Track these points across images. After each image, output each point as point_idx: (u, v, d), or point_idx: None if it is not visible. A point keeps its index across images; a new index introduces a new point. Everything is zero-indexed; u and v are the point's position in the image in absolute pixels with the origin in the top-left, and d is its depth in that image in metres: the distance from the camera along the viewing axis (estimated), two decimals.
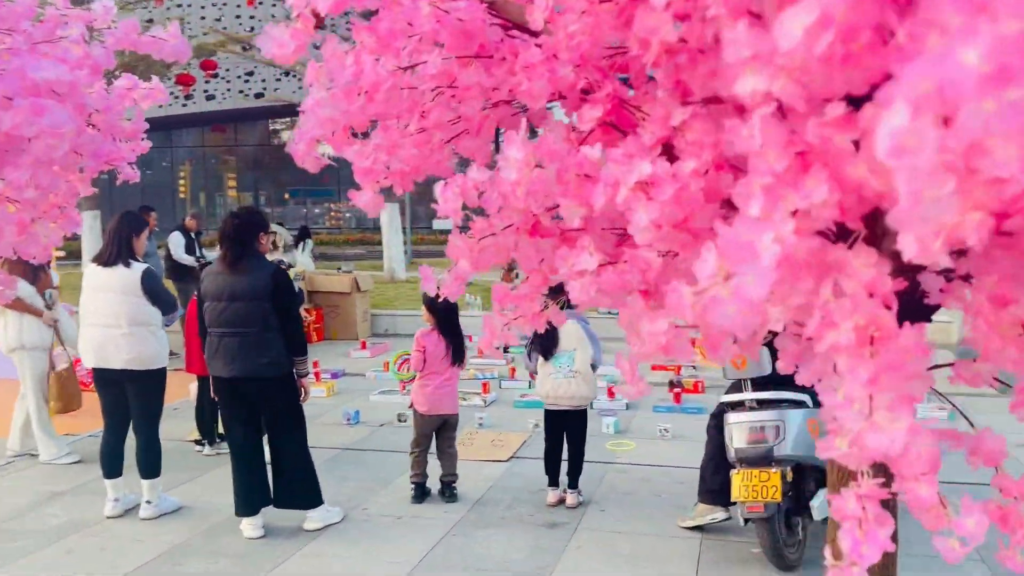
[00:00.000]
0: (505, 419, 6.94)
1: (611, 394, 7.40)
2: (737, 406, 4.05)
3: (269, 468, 4.63)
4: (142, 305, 4.68)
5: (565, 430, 4.97)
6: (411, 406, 5.07)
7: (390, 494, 5.20)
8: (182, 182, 32.09)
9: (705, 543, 4.33)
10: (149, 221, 7.32)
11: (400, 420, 6.84)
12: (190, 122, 29.98)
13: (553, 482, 4.96)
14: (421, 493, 5.02)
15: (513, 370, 8.42)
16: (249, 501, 4.50)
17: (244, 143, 31.26)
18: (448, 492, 5.01)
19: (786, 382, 4.03)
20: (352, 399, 7.73)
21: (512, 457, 5.90)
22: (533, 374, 5.04)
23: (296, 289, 10.09)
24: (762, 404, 3.95)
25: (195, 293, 6.13)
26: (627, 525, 4.59)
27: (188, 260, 10.28)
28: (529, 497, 5.07)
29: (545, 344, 4.76)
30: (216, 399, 4.61)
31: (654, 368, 8.70)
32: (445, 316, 4.97)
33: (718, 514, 4.39)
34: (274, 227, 13.08)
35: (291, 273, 11.24)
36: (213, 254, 10.63)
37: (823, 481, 3.95)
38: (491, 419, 6.81)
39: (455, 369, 5.00)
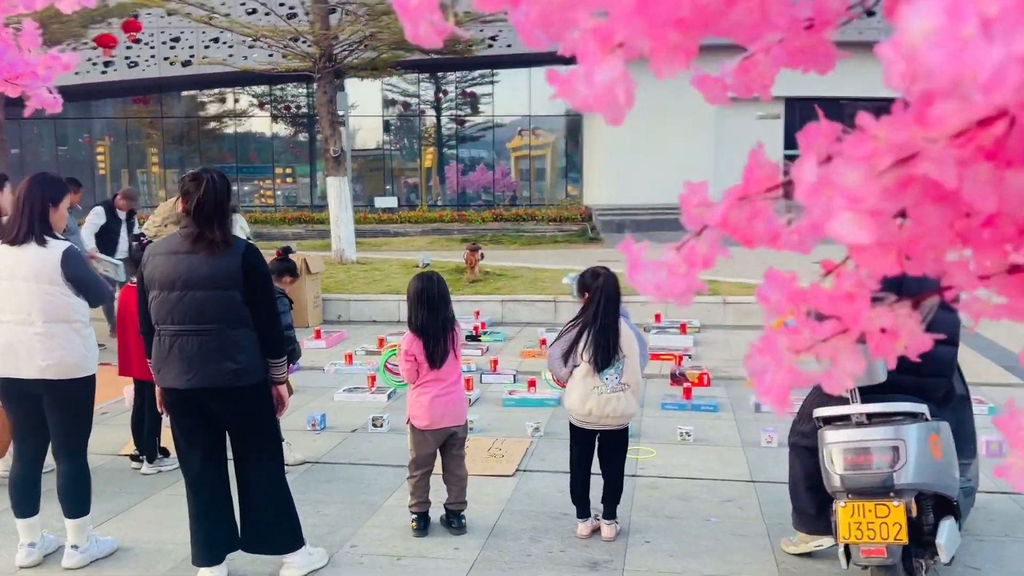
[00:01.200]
0: (496, 422, 6.05)
1: None
2: (835, 421, 3.25)
3: (236, 503, 3.64)
4: (62, 295, 3.62)
5: (600, 451, 4.09)
6: (408, 421, 4.12)
7: (382, 524, 4.25)
8: (101, 158, 29.97)
9: None
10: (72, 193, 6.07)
11: (376, 424, 5.88)
12: (110, 92, 27.90)
13: (583, 513, 4.08)
14: (424, 525, 4.09)
15: (495, 362, 7.51)
16: (211, 548, 3.51)
17: (169, 115, 29.30)
18: (456, 522, 4.10)
19: (896, 390, 3.27)
20: (314, 399, 6.72)
21: (518, 471, 5.02)
22: (561, 382, 4.12)
23: None
24: (872, 419, 3.15)
25: (129, 281, 5.07)
26: (684, 563, 3.76)
27: (87, 244, 8.66)
28: (553, 525, 4.20)
29: (604, 352, 3.85)
30: (166, 415, 3.58)
31: (652, 357, 7.92)
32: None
33: (824, 541, 3.62)
34: None
35: None
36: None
37: (944, 510, 3.19)
38: (480, 422, 5.91)
39: (456, 361, 4.08)
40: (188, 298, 3.33)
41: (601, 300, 3.84)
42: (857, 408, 3.16)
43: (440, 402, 3.98)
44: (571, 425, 4.09)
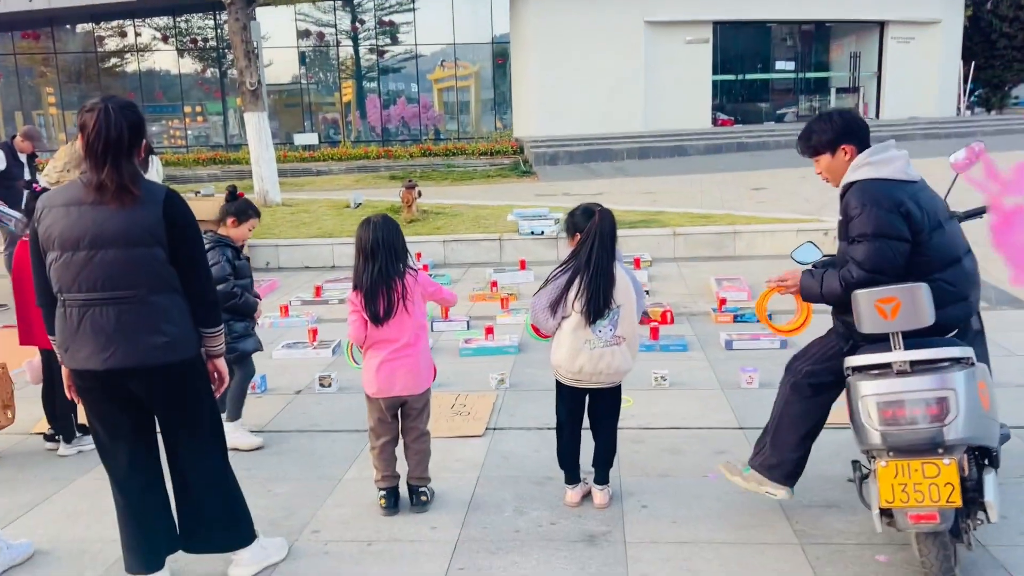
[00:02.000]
0: (456, 375, 5.56)
1: None
2: (869, 370, 2.87)
3: (172, 498, 3.08)
4: None
5: (591, 411, 3.66)
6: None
7: (345, 501, 3.76)
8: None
9: (813, 552, 3.19)
10: None
11: (323, 384, 5.33)
12: None
13: (573, 478, 3.66)
14: (394, 501, 3.61)
15: (446, 309, 6.99)
16: (148, 553, 2.96)
17: (64, 51, 27.06)
18: (415, 500, 3.62)
19: (937, 333, 2.90)
20: None
21: (488, 430, 4.57)
22: (546, 335, 3.64)
23: None
24: (915, 366, 2.78)
25: (24, 236, 4.32)
26: (691, 530, 3.39)
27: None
28: (537, 493, 3.77)
29: (597, 301, 3.37)
30: (79, 403, 2.96)
31: None
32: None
33: (778, 492, 3.30)
34: None
35: None
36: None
37: (986, 463, 2.88)
38: (438, 376, 5.41)
39: (418, 327, 3.55)
40: (99, 259, 2.70)
41: (595, 242, 3.36)
42: (900, 355, 2.78)
43: (389, 367, 3.47)
44: (558, 383, 3.64)
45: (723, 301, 6.84)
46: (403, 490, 3.67)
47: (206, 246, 4.07)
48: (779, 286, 3.35)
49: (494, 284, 7.84)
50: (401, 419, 3.61)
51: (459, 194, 15.55)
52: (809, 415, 3.30)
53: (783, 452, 3.32)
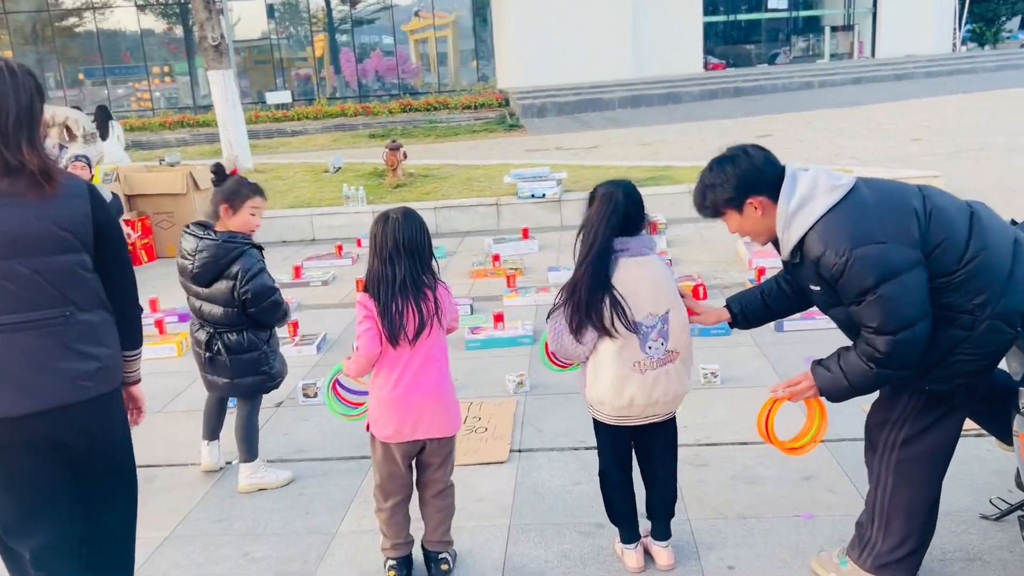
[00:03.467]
0: (463, 374, 4.72)
1: None
2: None
3: None
4: None
5: (641, 452, 2.83)
6: (367, 427, 2.74)
7: (342, 565, 2.93)
8: None
9: None
10: None
11: (308, 394, 4.48)
12: None
13: (630, 536, 2.82)
14: (407, 572, 2.78)
15: None
16: None
17: (15, 10, 25.46)
18: (434, 569, 2.79)
19: None
20: None
21: (512, 452, 3.74)
22: (561, 363, 2.83)
23: (109, 198, 7.21)
24: None
25: None
26: None
27: None
28: (587, 549, 2.96)
29: (621, 305, 2.53)
30: None
31: None
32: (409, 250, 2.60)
33: None
34: (64, 111, 9.75)
35: (100, 171, 8.20)
36: None
37: None
38: None
39: (439, 340, 2.69)
40: (12, 271, 1.88)
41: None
42: None
43: (413, 401, 2.61)
44: (596, 423, 2.79)
45: (762, 271, 6.01)
46: (416, 553, 2.85)
47: (228, 256, 3.22)
48: (790, 394, 2.51)
49: (496, 258, 6.96)
50: (418, 470, 2.76)
51: (445, 152, 14.56)
52: (927, 486, 2.46)
53: (903, 543, 2.48)
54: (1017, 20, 36.96)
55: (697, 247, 7.31)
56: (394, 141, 9.94)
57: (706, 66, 25.42)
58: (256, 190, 3.46)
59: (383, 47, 26.93)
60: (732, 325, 2.89)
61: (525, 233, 7.70)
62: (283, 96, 22.90)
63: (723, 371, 4.42)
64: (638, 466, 2.85)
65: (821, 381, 2.38)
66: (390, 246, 2.55)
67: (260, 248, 3.47)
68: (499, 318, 5.30)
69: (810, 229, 2.21)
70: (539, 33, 22.38)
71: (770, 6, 27.83)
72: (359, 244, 8.18)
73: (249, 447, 3.54)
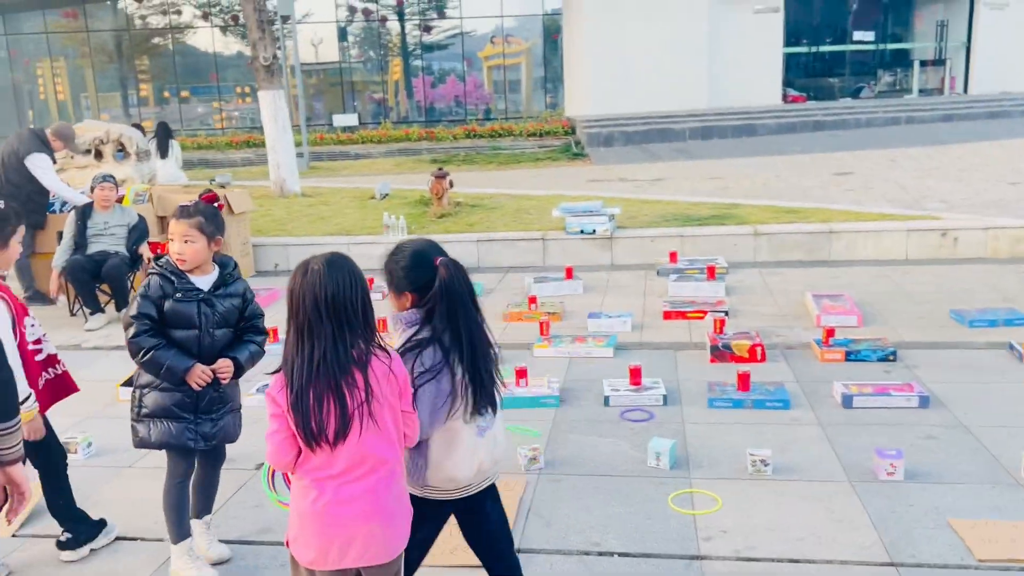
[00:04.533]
0: None
1: (637, 376, 4.62)
2: None
3: None
4: None
5: (478, 533, 2.45)
6: (287, 545, 2.14)
7: None
8: (41, 83, 26.97)
9: None
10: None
11: None
12: (28, 5, 24.90)
13: None
14: None
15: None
16: None
17: (99, 28, 26.22)
18: None
19: None
20: None
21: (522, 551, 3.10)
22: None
23: (135, 220, 6.88)
24: None
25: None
26: None
27: (76, 196, 7.16)
28: None
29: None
30: None
31: (667, 316, 6.01)
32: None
33: None
34: (119, 128, 9.61)
35: (132, 191, 7.93)
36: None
37: None
38: None
39: (391, 447, 2.08)
40: None
41: (457, 302, 2.22)
42: None
43: (339, 519, 2.00)
44: (424, 502, 2.27)
45: (831, 332, 5.23)
46: None
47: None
48: None
49: (532, 300, 6.35)
50: None
51: (504, 180, 14.05)
52: None
53: None
54: None
55: (760, 296, 6.56)
56: (440, 169, 9.46)
57: (785, 98, 24.39)
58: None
59: (456, 73, 26.82)
60: None
61: (569, 272, 7.07)
62: (350, 119, 22.86)
63: (776, 457, 3.69)
64: (477, 553, 2.47)
65: None
66: (308, 308, 1.96)
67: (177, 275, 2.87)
68: (521, 373, 4.67)
69: None
70: (609, 60, 21.81)
71: (855, 38, 26.64)
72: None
73: (168, 524, 2.98)
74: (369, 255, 8.79)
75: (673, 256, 7.55)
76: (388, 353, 2.08)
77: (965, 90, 25.28)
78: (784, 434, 4.03)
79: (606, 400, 4.50)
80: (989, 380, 4.63)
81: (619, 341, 5.55)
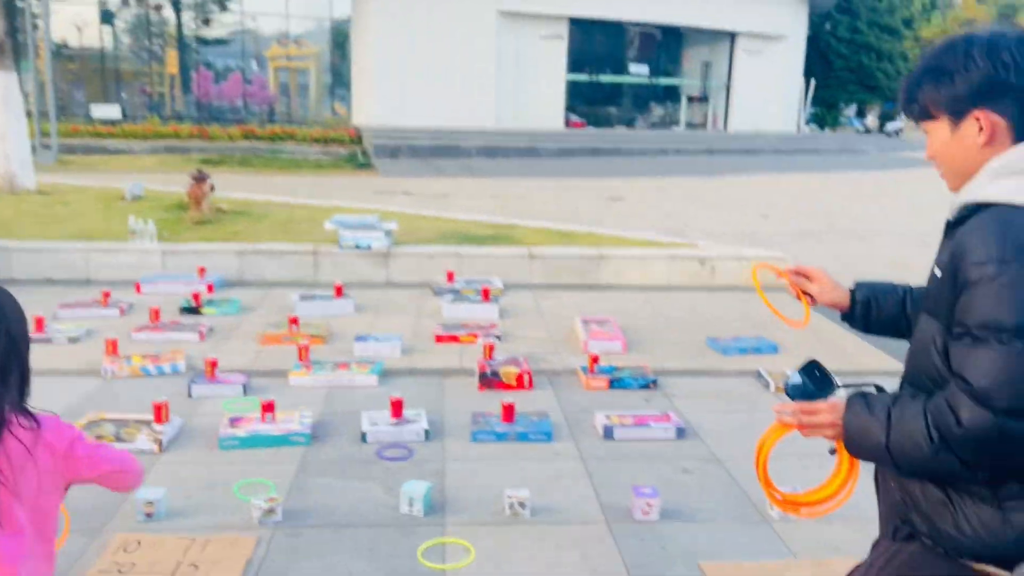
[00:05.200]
0: (202, 490, 3.58)
1: (398, 409, 4.30)
2: None
3: None
4: None
5: None
6: None
7: None
8: None
9: None
10: None
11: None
12: None
13: None
14: None
15: (213, 363, 4.90)
16: None
17: None
18: None
19: None
20: None
21: None
22: None
23: None
24: None
25: None
26: None
27: None
28: None
29: None
30: None
31: (439, 339, 5.77)
32: None
33: None
34: None
35: None
36: None
37: None
38: (174, 493, 3.43)
39: (36, 538, 1.59)
40: None
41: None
42: None
43: None
44: None
45: (595, 359, 5.20)
46: None
47: None
48: (798, 422, 1.68)
49: (294, 321, 5.85)
50: None
51: (281, 187, 13.28)
52: None
53: None
54: (854, 108, 39.69)
55: (531, 321, 6.48)
56: (200, 171, 8.65)
57: (567, 123, 25.36)
58: None
59: (239, 71, 25.34)
60: (845, 317, 1.99)
61: (338, 290, 6.63)
62: (111, 110, 20.85)
63: (536, 497, 3.51)
64: None
65: (852, 422, 1.57)
66: None
67: None
68: (268, 408, 4.18)
69: (997, 204, 1.47)
70: (398, 73, 21.56)
71: (631, 70, 28.30)
72: (138, 290, 6.84)
73: None
74: (111, 264, 7.86)
75: (450, 276, 7.34)
76: (34, 419, 1.60)
77: (725, 127, 27.61)
78: (546, 469, 3.87)
79: (363, 436, 4.13)
80: (739, 409, 4.78)
81: (386, 367, 5.20)
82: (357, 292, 6.93)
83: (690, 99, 29.10)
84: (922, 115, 1.60)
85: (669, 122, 28.96)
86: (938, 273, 1.52)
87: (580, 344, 5.76)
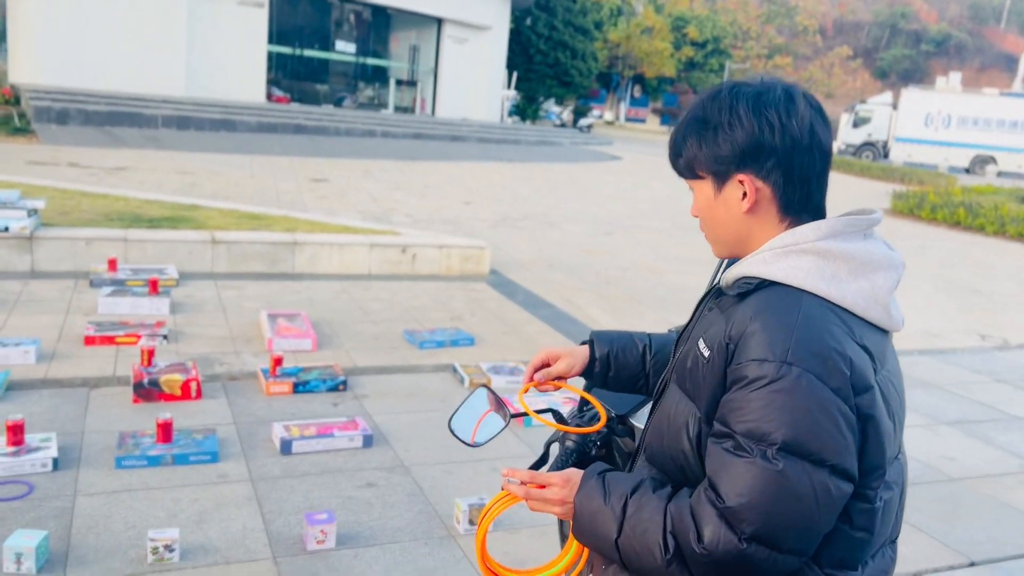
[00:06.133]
0: None
1: (18, 433, 3.47)
2: None
3: None
4: None
5: None
6: None
7: None
8: None
9: None
10: None
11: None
12: None
13: None
14: None
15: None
16: None
17: None
18: None
19: None
20: None
21: None
22: None
23: None
24: None
25: None
26: None
27: None
28: None
29: None
30: None
31: (90, 342, 4.91)
32: None
33: None
34: None
35: None
36: None
37: None
38: None
39: None
40: None
41: None
42: None
43: None
44: None
45: (278, 360, 4.68)
46: None
47: None
48: (526, 495, 1.38)
49: None
50: None
51: None
52: None
53: None
54: (552, 101, 42.15)
55: (211, 315, 5.76)
56: None
57: (269, 97, 23.96)
58: None
59: None
60: (585, 374, 1.67)
61: None
62: None
63: (190, 534, 2.95)
64: None
65: (583, 505, 1.31)
66: None
67: None
68: None
69: (784, 285, 1.26)
70: (69, 25, 18.84)
71: (338, 47, 27.46)
72: None
73: None
74: None
75: (112, 263, 6.33)
76: None
77: (433, 112, 27.83)
78: (207, 499, 3.31)
79: None
80: (432, 408, 4.54)
81: (13, 378, 4.26)
82: None
83: (399, 82, 28.94)
84: (688, 172, 1.38)
85: (378, 104, 28.56)
86: (705, 353, 1.29)
87: (265, 342, 5.20)
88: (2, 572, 2.69)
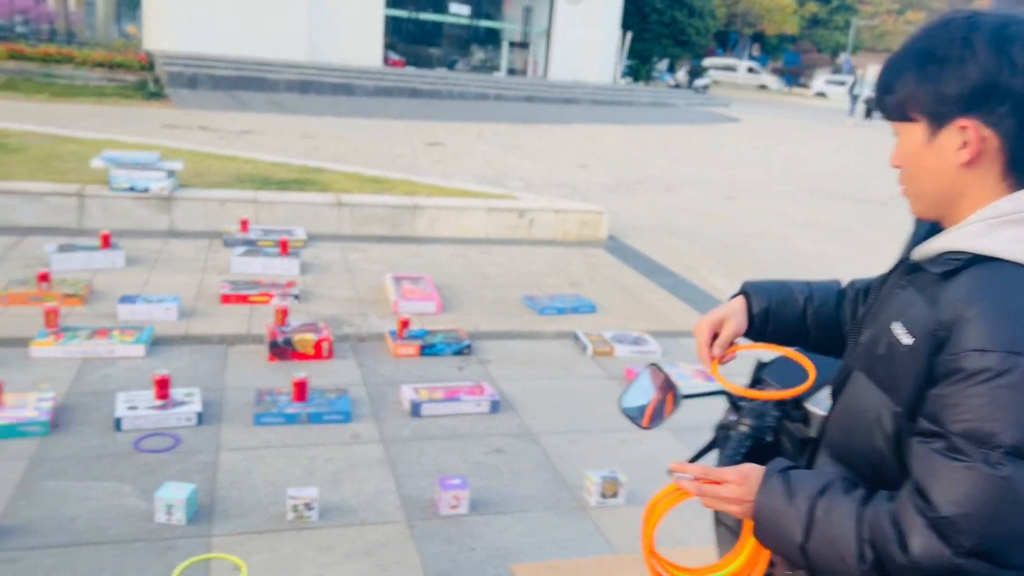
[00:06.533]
0: None
1: (164, 388, 3.62)
2: None
3: None
4: None
5: None
6: None
7: None
8: None
9: None
10: None
11: None
12: None
13: None
14: None
15: None
16: None
17: None
18: None
19: None
20: None
21: None
22: None
23: None
24: None
25: None
26: None
27: None
28: None
29: None
30: None
31: (226, 300, 5.08)
32: None
33: None
34: None
35: None
36: None
37: None
38: None
39: None
40: None
41: None
42: None
43: None
44: None
45: (405, 323, 4.72)
46: None
47: None
48: (698, 491, 1.29)
49: (44, 277, 4.90)
50: None
51: (52, 116, 11.59)
52: None
53: None
54: (666, 62, 41.03)
55: (338, 278, 5.87)
56: None
57: (386, 61, 24.27)
58: None
59: None
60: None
61: (105, 240, 5.69)
62: None
63: (327, 494, 3.01)
64: None
65: (765, 505, 1.21)
66: None
67: None
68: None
69: (1002, 260, 1.10)
70: None
71: (452, 10, 27.48)
72: None
73: None
74: None
75: (244, 224, 6.54)
76: None
77: (545, 74, 27.55)
78: (341, 458, 3.37)
79: (117, 423, 3.43)
80: (555, 376, 4.49)
81: (157, 334, 4.46)
82: (131, 243, 6.02)
83: (512, 44, 28.76)
84: (896, 113, 1.20)
85: (490, 67, 28.51)
86: (905, 340, 1.15)
87: (390, 305, 5.26)
88: (153, 521, 2.80)
